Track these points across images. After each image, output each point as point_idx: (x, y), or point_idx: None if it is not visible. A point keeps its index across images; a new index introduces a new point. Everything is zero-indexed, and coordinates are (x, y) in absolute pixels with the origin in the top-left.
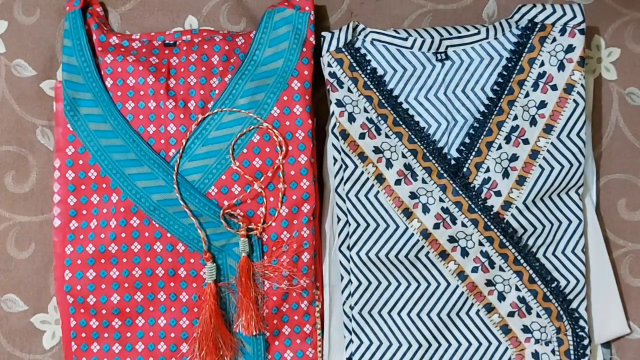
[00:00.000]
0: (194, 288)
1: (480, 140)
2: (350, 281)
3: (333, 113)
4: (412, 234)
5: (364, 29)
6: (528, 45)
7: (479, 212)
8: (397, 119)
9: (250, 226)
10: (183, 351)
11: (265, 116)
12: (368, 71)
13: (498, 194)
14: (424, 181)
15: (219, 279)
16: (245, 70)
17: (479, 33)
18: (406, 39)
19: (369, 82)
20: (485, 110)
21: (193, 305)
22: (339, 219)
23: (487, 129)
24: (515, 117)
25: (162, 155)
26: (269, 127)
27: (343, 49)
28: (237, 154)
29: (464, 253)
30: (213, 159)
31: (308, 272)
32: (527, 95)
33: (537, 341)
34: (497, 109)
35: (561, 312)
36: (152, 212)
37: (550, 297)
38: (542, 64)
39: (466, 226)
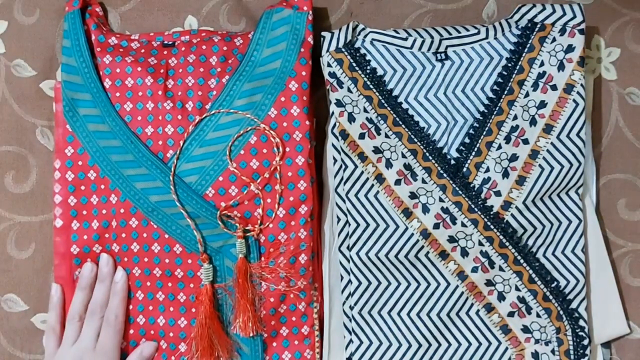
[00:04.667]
0: (192, 289)
1: (480, 140)
2: (350, 281)
3: (333, 113)
4: (412, 234)
5: (363, 29)
6: (528, 45)
7: (479, 212)
8: (397, 119)
9: (247, 227)
10: (182, 350)
11: (262, 117)
12: (368, 71)
13: (498, 194)
14: (423, 181)
15: (216, 280)
16: (243, 71)
17: (478, 33)
18: (406, 39)
19: (368, 82)
20: (485, 110)
21: (191, 305)
22: (339, 219)
23: (487, 129)
24: (515, 117)
25: (160, 157)
26: (266, 128)
27: (343, 49)
28: (234, 155)
29: (464, 253)
30: (210, 160)
31: (305, 273)
32: (527, 95)
33: (537, 341)
34: (497, 109)
35: (561, 312)
36: (151, 213)
37: (550, 297)
38: (542, 64)
39: (466, 226)
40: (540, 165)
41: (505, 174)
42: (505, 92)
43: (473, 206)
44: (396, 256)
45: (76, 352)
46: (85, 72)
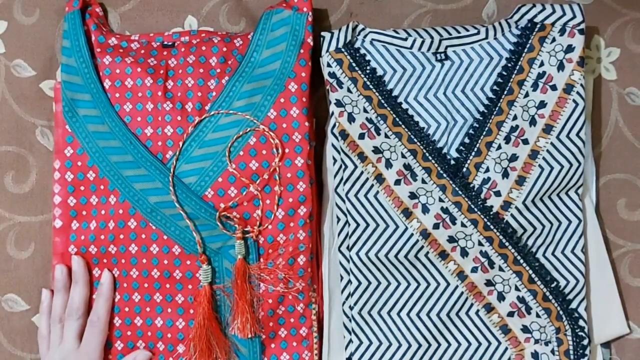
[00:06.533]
0: (190, 290)
1: (479, 140)
2: (349, 281)
3: (332, 113)
4: (412, 234)
5: (363, 29)
6: (528, 45)
7: (479, 212)
8: (397, 119)
9: (246, 229)
10: (179, 352)
11: (261, 118)
12: (367, 71)
13: (498, 194)
14: (423, 181)
15: (214, 282)
16: (242, 72)
17: (478, 33)
18: (406, 39)
19: (368, 82)
20: (485, 110)
21: (189, 306)
22: (339, 219)
23: (486, 129)
24: (515, 117)
25: (160, 157)
26: (265, 129)
27: (342, 49)
28: (233, 156)
29: (464, 253)
30: (209, 161)
31: (304, 274)
32: (526, 95)
33: (536, 341)
34: (497, 109)
35: (561, 312)
36: (149, 214)
37: (550, 297)
38: (542, 64)
39: (466, 226)
40: (540, 166)
41: (505, 174)
42: (505, 92)
43: (473, 206)
44: (396, 256)
45: (60, 353)
46: (85, 72)
